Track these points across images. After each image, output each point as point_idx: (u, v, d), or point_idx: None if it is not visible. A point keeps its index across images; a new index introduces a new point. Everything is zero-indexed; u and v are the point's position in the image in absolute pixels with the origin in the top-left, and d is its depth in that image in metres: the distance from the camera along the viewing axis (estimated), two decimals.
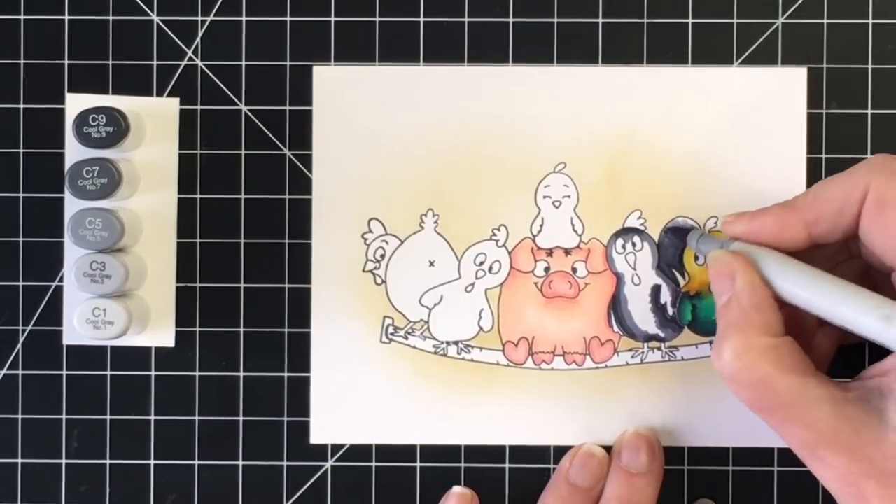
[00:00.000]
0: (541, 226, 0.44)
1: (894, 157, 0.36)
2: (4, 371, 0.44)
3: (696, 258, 0.43)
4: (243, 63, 0.44)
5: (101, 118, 0.41)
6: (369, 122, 0.44)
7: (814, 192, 0.37)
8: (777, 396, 0.34)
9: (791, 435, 0.34)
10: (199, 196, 0.44)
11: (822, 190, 0.37)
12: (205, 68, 0.44)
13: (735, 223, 0.38)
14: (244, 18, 0.44)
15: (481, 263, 0.44)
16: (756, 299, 0.36)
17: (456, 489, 0.43)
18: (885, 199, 0.35)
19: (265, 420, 0.44)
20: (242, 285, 0.44)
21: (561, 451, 0.43)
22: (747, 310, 0.35)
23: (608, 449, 0.43)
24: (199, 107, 0.44)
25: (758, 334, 0.35)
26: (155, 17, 0.44)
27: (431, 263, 0.44)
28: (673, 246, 0.43)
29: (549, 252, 0.44)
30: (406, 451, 0.44)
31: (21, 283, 0.44)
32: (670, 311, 0.44)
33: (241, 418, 0.44)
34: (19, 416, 0.44)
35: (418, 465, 0.44)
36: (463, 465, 0.44)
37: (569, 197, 0.44)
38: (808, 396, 0.34)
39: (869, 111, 0.43)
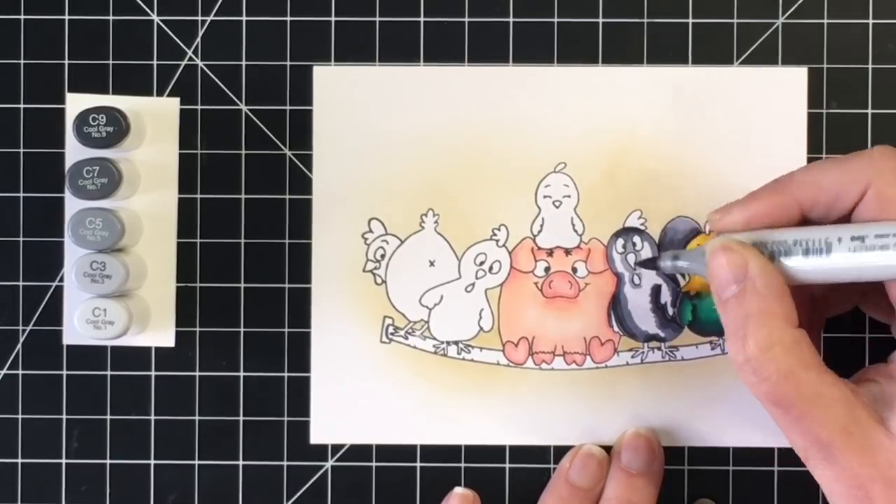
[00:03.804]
0: (541, 226, 0.44)
1: (893, 152, 0.35)
2: (4, 371, 0.44)
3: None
4: (243, 63, 0.44)
5: (102, 118, 0.41)
6: (369, 122, 0.44)
7: (810, 175, 0.36)
8: (798, 392, 0.33)
9: (804, 432, 0.34)
10: (199, 196, 0.44)
11: (819, 176, 0.36)
12: (205, 68, 0.44)
13: (728, 215, 0.36)
14: (244, 18, 0.44)
15: (481, 263, 0.44)
16: (776, 287, 0.34)
17: (458, 490, 0.43)
18: (887, 196, 0.34)
19: (265, 420, 0.44)
20: (242, 285, 0.44)
21: (561, 451, 0.43)
22: (768, 299, 0.34)
23: (608, 449, 0.43)
24: (199, 107, 0.44)
25: (783, 325, 0.34)
26: (155, 17, 0.44)
27: (431, 263, 0.44)
28: (673, 246, 0.43)
29: (550, 252, 0.44)
30: (406, 451, 0.44)
31: (21, 283, 0.44)
32: (670, 311, 0.44)
33: (241, 418, 0.44)
34: (19, 416, 0.44)
35: (418, 465, 0.44)
36: (463, 465, 0.44)
37: (569, 197, 0.44)
38: (826, 394, 0.33)
39: (869, 111, 0.43)
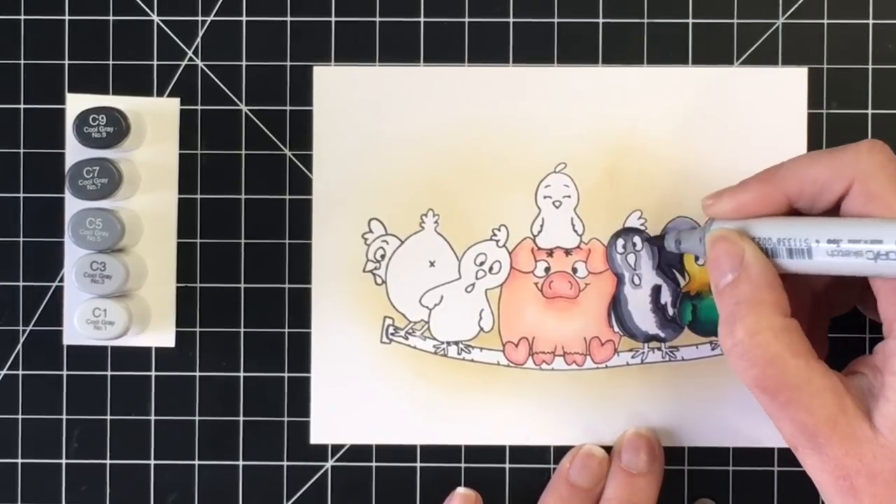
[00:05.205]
0: (541, 226, 0.44)
1: (882, 147, 0.35)
2: (4, 371, 0.44)
3: (697, 258, 0.43)
4: (243, 63, 0.44)
5: (102, 118, 0.41)
6: (369, 122, 0.44)
7: (798, 167, 0.36)
8: (785, 378, 0.34)
9: (791, 419, 0.34)
10: (199, 196, 0.44)
11: (804, 168, 0.36)
12: (205, 68, 0.44)
13: (720, 202, 0.37)
14: (244, 18, 0.44)
15: (482, 263, 0.44)
16: (769, 277, 0.35)
17: (460, 490, 0.43)
18: (873, 192, 0.34)
19: (265, 420, 0.44)
20: (242, 285, 0.44)
21: (561, 451, 0.43)
22: (761, 287, 0.35)
23: (608, 449, 0.43)
24: (199, 107, 0.44)
25: (771, 313, 0.34)
26: (155, 17, 0.44)
27: (432, 263, 0.44)
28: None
29: (550, 252, 0.44)
30: (406, 451, 0.44)
31: (21, 283, 0.44)
32: (670, 311, 0.44)
33: (241, 418, 0.44)
34: (19, 416, 0.44)
35: (418, 465, 0.44)
36: (463, 465, 0.44)
37: (569, 197, 0.44)
38: (814, 382, 0.34)
39: (869, 111, 0.43)
